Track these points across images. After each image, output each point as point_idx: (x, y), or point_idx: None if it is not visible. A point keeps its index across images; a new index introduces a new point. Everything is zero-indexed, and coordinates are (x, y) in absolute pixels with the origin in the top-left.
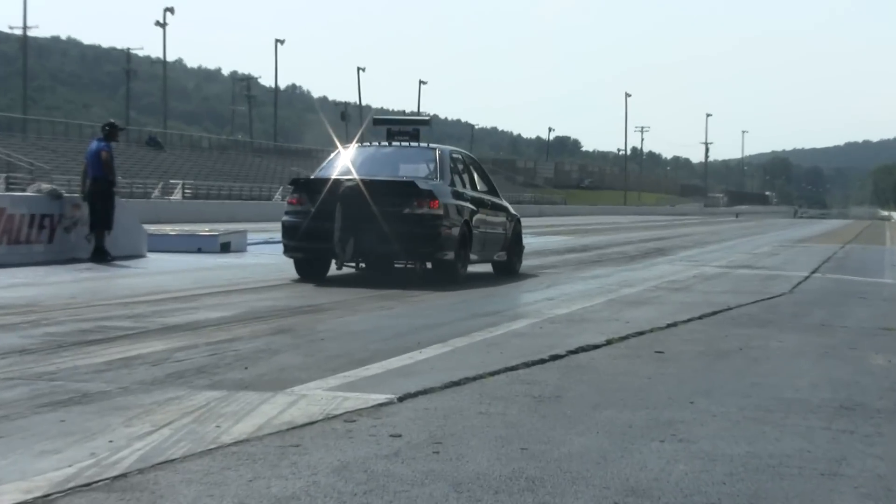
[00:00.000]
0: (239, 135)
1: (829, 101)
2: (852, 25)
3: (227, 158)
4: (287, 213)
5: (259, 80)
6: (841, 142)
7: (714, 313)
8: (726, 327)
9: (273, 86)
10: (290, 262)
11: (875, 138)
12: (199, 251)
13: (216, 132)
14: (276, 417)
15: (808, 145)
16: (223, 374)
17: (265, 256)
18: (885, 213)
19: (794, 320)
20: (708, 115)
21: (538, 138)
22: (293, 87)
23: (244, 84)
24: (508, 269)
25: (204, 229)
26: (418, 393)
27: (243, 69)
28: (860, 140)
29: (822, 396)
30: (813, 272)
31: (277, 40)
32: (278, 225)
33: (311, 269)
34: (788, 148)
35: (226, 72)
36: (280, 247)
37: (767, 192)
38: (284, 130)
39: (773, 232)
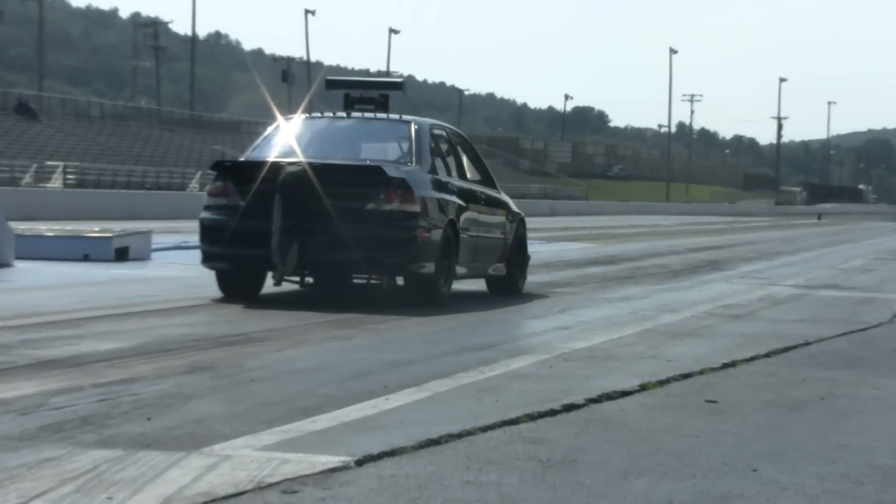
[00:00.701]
0: (142, 100)
1: None
2: None
3: (127, 132)
4: (208, 207)
5: (170, 27)
6: None
7: (786, 349)
8: (803, 368)
9: (189, 34)
10: (212, 274)
11: None
12: (87, 259)
13: (111, 96)
14: (189, 486)
15: None
16: (118, 427)
17: (177, 267)
18: None
19: (895, 360)
20: (782, 81)
21: (550, 109)
22: (217, 35)
23: (150, 31)
24: (508, 286)
25: (93, 229)
26: (383, 454)
27: (148, 11)
28: None
29: None
30: None
31: None
32: (195, 224)
33: (239, 285)
34: (890, 125)
35: (125, 14)
36: (197, 254)
37: (862, 186)
38: (205, 95)
39: (869, 239)
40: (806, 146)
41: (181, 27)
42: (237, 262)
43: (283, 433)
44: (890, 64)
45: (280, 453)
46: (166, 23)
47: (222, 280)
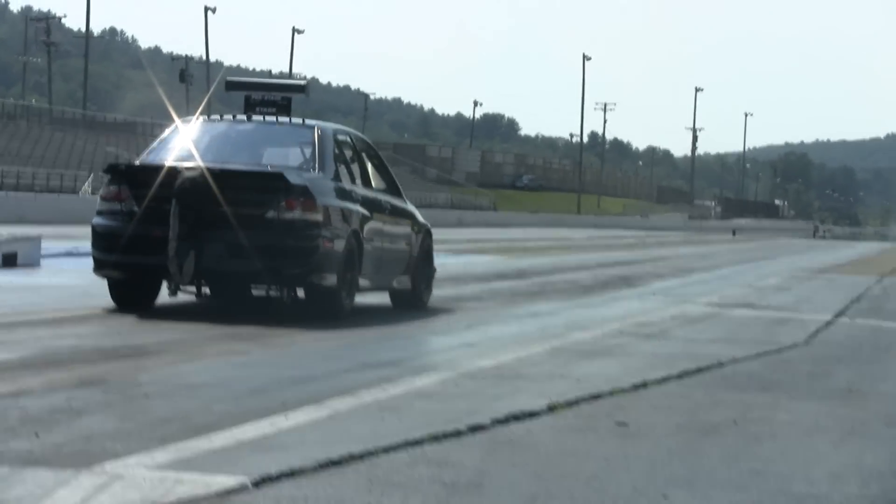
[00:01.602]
0: (33, 98)
1: (866, 78)
2: None
3: (15, 132)
4: (100, 212)
5: (63, 21)
6: (881, 133)
7: (699, 370)
8: (716, 391)
9: (83, 30)
10: (104, 283)
11: None
12: None
13: (0, 93)
14: None
15: (834, 136)
16: (3, 444)
17: (67, 274)
18: None
19: (810, 383)
20: (697, 91)
21: (459, 116)
22: (112, 32)
23: (41, 26)
24: (413, 300)
25: None
26: (282, 475)
27: (40, 5)
28: None
29: (846, 491)
30: (838, 315)
31: None
32: (87, 230)
33: (133, 295)
34: (808, 140)
35: (15, 8)
36: (89, 260)
37: (778, 201)
38: (98, 94)
39: (785, 256)
40: (721, 159)
41: (75, 22)
42: (131, 270)
43: (178, 451)
44: (808, 76)
45: (174, 473)
46: (59, 18)
47: (115, 289)
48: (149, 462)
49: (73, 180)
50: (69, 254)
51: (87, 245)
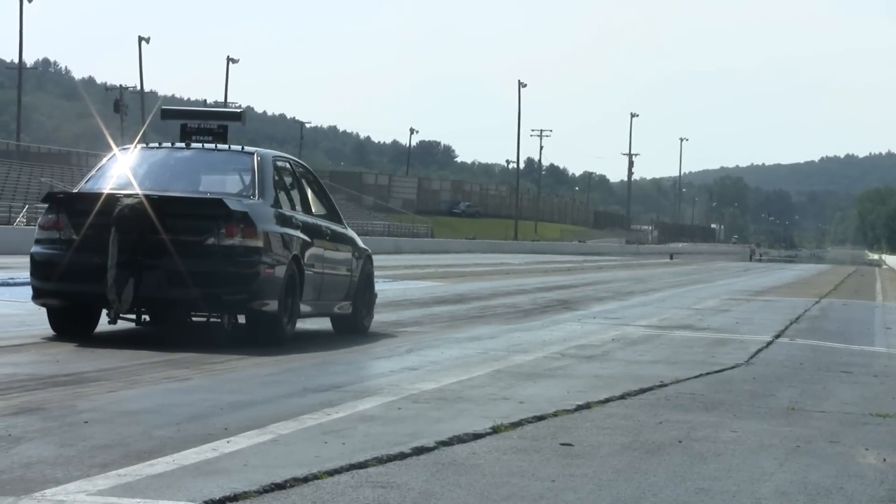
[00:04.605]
0: None
1: (800, 101)
2: (831, 6)
3: None
4: (38, 241)
5: None
6: (815, 156)
7: (642, 391)
8: (659, 411)
9: (16, 60)
10: (43, 311)
11: (861, 153)
12: None
13: None
14: None
15: (770, 160)
16: None
17: (4, 304)
18: (874, 255)
19: (753, 402)
20: (633, 116)
21: (395, 144)
22: (46, 63)
23: None
24: (354, 325)
25: None
26: (225, 499)
27: None
28: (841, 155)
29: None
30: (777, 336)
31: None
32: (23, 260)
33: (72, 322)
34: (743, 164)
35: None
36: (26, 290)
37: (714, 225)
38: (33, 124)
39: (723, 280)
40: (657, 184)
41: (6, 53)
42: (70, 298)
43: (119, 477)
44: (742, 100)
45: (116, 498)
46: None
47: (54, 317)
48: (90, 488)
49: (7, 212)
50: (4, 283)
51: (23, 275)
